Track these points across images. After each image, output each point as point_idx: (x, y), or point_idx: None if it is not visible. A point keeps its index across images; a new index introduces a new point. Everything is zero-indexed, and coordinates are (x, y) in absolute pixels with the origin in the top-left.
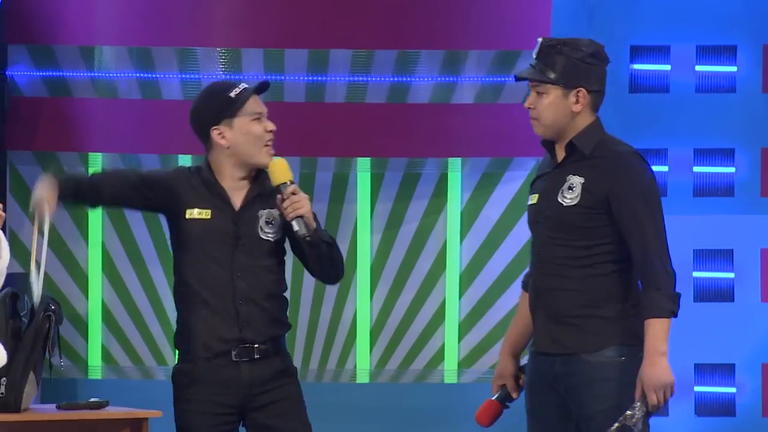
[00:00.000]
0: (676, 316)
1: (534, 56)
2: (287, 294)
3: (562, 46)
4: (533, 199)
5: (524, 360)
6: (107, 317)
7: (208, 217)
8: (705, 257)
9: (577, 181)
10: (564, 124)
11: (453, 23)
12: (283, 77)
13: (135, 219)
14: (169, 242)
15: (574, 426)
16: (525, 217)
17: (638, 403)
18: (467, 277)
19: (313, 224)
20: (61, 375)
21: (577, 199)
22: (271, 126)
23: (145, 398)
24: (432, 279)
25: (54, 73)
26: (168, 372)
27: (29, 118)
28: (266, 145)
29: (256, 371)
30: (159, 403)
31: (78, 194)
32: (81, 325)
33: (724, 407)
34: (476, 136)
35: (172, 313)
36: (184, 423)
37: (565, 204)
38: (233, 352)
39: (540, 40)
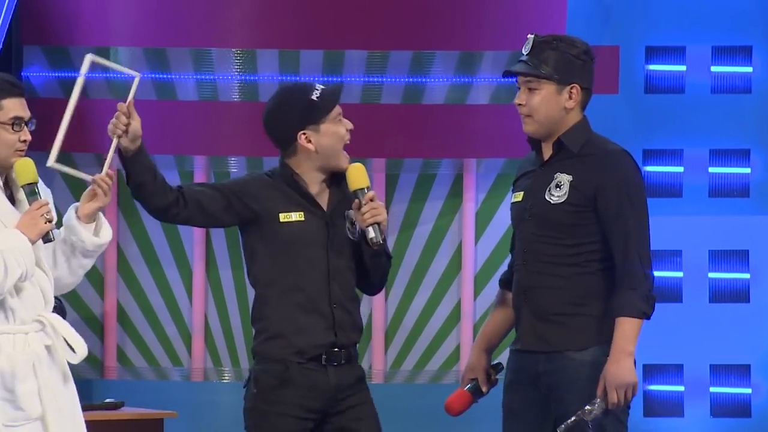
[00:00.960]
0: (648, 318)
1: (525, 52)
2: None
3: (558, 42)
4: (518, 197)
5: (498, 358)
6: (122, 318)
7: (302, 219)
8: (720, 258)
9: (565, 178)
10: (556, 120)
11: (468, 24)
12: (298, 78)
13: (150, 220)
14: (242, 250)
15: (551, 426)
16: None
17: (598, 400)
18: (482, 278)
19: (385, 233)
20: (77, 375)
21: (565, 197)
22: (350, 125)
23: (160, 399)
24: (447, 280)
25: (69, 74)
26: (183, 373)
27: (44, 119)
28: (343, 147)
29: (342, 376)
30: (174, 404)
31: (158, 180)
32: (96, 326)
33: (740, 408)
34: (491, 137)
35: (187, 314)
36: (264, 423)
37: (552, 202)
38: (324, 357)
39: (531, 36)
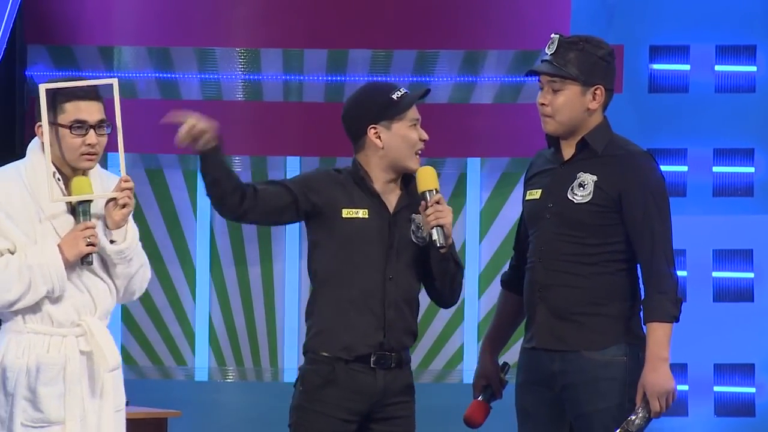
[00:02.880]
0: (677, 321)
1: (549, 52)
2: None
3: (584, 43)
4: (534, 194)
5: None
6: (126, 317)
7: (366, 216)
8: (724, 257)
9: (589, 178)
10: (578, 121)
11: (472, 23)
12: (302, 77)
13: (153, 218)
14: (299, 243)
15: (567, 427)
16: None
17: (640, 409)
18: (486, 277)
19: (450, 238)
20: None
21: (590, 197)
22: (425, 135)
23: (164, 398)
24: None
25: (73, 74)
26: (187, 372)
27: None
28: (417, 153)
29: (390, 381)
30: (178, 403)
31: (232, 177)
32: None
33: (744, 407)
34: (495, 136)
35: (191, 313)
36: (308, 423)
37: (576, 201)
38: (372, 358)
39: (556, 36)
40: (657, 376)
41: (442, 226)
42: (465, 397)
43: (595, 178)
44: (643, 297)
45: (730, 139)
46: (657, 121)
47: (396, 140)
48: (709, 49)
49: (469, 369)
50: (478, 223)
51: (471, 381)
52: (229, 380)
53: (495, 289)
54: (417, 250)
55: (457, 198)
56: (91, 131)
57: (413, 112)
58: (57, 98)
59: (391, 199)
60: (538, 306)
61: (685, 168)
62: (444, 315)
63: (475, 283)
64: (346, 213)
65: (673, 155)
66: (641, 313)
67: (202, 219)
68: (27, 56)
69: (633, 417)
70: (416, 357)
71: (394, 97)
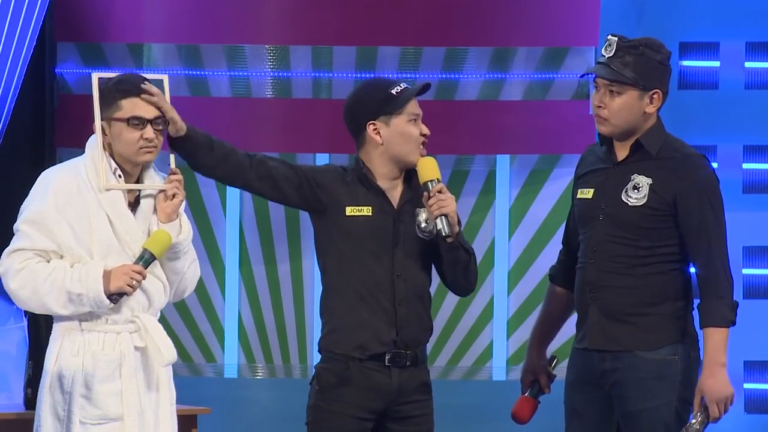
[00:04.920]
0: (734, 325)
1: (606, 54)
2: None
3: (644, 48)
4: (587, 193)
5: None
6: None
7: (370, 214)
8: (754, 254)
9: (643, 181)
10: (635, 124)
11: (501, 20)
12: (331, 74)
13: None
14: (312, 242)
15: (614, 426)
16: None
17: (699, 414)
18: (515, 274)
19: (456, 226)
20: None
21: (645, 200)
22: (426, 130)
23: (194, 395)
24: (480, 276)
25: (103, 71)
26: (217, 369)
27: (78, 115)
28: (419, 147)
29: (405, 379)
30: (208, 400)
31: (216, 148)
32: None
33: None
34: (524, 133)
35: (220, 311)
36: (324, 422)
37: (630, 204)
38: (387, 357)
39: (614, 38)
40: (715, 382)
41: (447, 215)
42: (494, 394)
43: (650, 181)
44: (698, 301)
45: (759, 136)
46: (687, 118)
47: (395, 136)
48: (739, 45)
49: (498, 366)
50: (507, 220)
51: (500, 378)
52: (258, 377)
53: (524, 286)
54: (424, 244)
55: (486, 195)
56: (148, 126)
57: (413, 107)
58: (113, 95)
59: (396, 195)
60: (590, 307)
61: (715, 165)
62: (473, 312)
63: (505, 280)
64: (350, 211)
65: (702, 152)
66: (693, 313)
67: (231, 217)
68: (57, 54)
69: (693, 421)
70: (445, 354)
71: (393, 92)
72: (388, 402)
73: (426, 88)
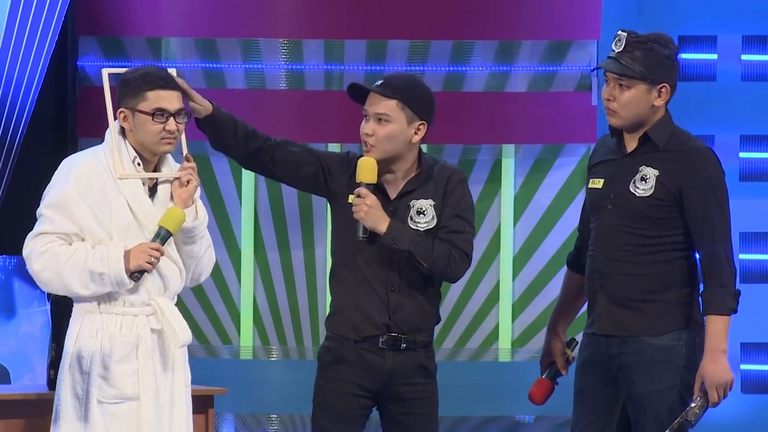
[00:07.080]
0: (736, 312)
1: (616, 49)
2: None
3: (653, 43)
4: (597, 183)
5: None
6: None
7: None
8: (750, 240)
9: (651, 172)
10: (643, 117)
11: (507, 15)
12: (342, 67)
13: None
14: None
15: (619, 407)
16: (576, 201)
17: (699, 398)
18: (520, 260)
19: (368, 232)
20: None
21: (651, 191)
22: (367, 129)
23: (210, 376)
24: (486, 261)
25: (123, 64)
26: (232, 351)
27: (99, 106)
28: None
29: (400, 361)
30: (224, 381)
31: (239, 128)
32: None
33: None
34: (529, 124)
35: (236, 294)
36: (323, 399)
37: (637, 194)
38: (381, 339)
39: (624, 33)
40: (716, 368)
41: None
42: (500, 375)
43: (657, 172)
44: (702, 289)
45: (756, 126)
46: (685, 109)
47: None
48: (736, 38)
49: (504, 348)
50: (512, 208)
51: (506, 359)
52: (272, 358)
53: (529, 271)
54: (419, 233)
55: (492, 183)
56: (171, 119)
57: (368, 105)
58: (140, 85)
59: (395, 186)
60: (599, 293)
61: None
62: (480, 295)
63: (510, 265)
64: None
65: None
66: (699, 299)
67: (246, 204)
68: (78, 47)
69: (693, 405)
70: (453, 336)
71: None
72: (383, 383)
73: (351, 86)
